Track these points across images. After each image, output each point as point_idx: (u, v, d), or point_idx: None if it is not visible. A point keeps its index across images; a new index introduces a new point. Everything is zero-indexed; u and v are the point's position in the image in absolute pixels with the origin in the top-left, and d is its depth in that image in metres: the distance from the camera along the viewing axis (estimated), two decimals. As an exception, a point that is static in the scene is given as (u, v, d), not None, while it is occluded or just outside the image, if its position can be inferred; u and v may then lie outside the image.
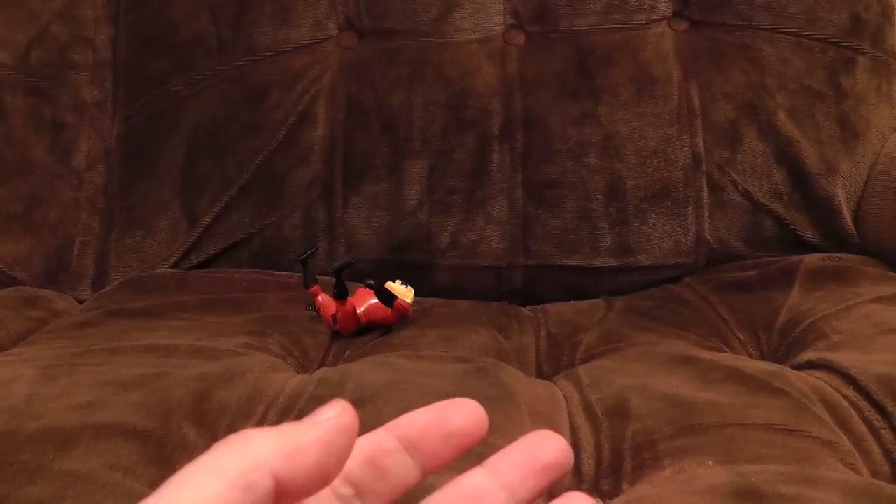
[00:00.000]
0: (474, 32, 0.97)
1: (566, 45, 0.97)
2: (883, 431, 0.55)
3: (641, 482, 0.49)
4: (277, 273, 0.95)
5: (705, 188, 0.94)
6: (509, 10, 0.98)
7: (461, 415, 0.30)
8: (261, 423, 0.56)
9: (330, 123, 0.98)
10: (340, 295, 0.77)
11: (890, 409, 0.55)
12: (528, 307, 0.88)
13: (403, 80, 0.97)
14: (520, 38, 0.98)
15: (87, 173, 1.01)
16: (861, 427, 0.55)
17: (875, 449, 0.53)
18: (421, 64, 0.97)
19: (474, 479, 0.30)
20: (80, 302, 0.94)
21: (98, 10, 1.02)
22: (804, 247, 0.92)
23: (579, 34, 0.97)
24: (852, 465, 0.50)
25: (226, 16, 0.99)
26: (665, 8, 0.97)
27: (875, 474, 0.51)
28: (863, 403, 0.57)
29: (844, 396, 0.57)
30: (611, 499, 0.49)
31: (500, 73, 0.96)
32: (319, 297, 0.79)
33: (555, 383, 0.65)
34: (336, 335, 0.79)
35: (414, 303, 0.81)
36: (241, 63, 0.99)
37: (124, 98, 1.02)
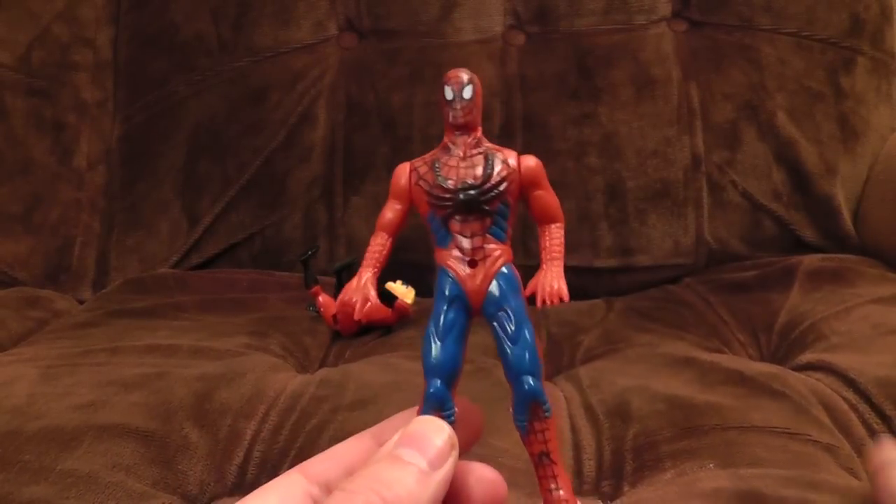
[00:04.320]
0: (474, 33, 0.97)
1: (566, 46, 0.97)
2: (883, 436, 0.54)
3: (643, 484, 0.49)
4: (278, 273, 0.95)
5: (705, 188, 0.94)
6: (509, 10, 0.99)
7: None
8: (262, 423, 0.57)
9: (330, 124, 0.98)
10: (341, 295, 0.77)
11: (889, 412, 0.55)
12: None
13: (403, 80, 0.97)
14: (520, 39, 0.99)
15: (88, 173, 1.01)
16: (861, 430, 0.55)
17: (875, 454, 0.54)
18: (421, 64, 0.97)
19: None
20: (81, 302, 0.94)
21: (99, 10, 1.03)
22: (804, 247, 0.92)
23: (579, 34, 0.97)
24: (852, 469, 0.50)
25: (226, 16, 0.99)
26: (665, 9, 0.98)
27: (875, 479, 0.51)
28: (863, 406, 0.57)
29: (844, 399, 0.57)
30: (612, 500, 0.50)
31: (500, 74, 0.96)
32: (320, 298, 0.79)
33: (555, 384, 0.65)
34: (336, 335, 0.80)
35: (414, 303, 0.81)
36: (241, 63, 0.99)
37: (125, 98, 1.02)
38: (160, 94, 1.01)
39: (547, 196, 0.33)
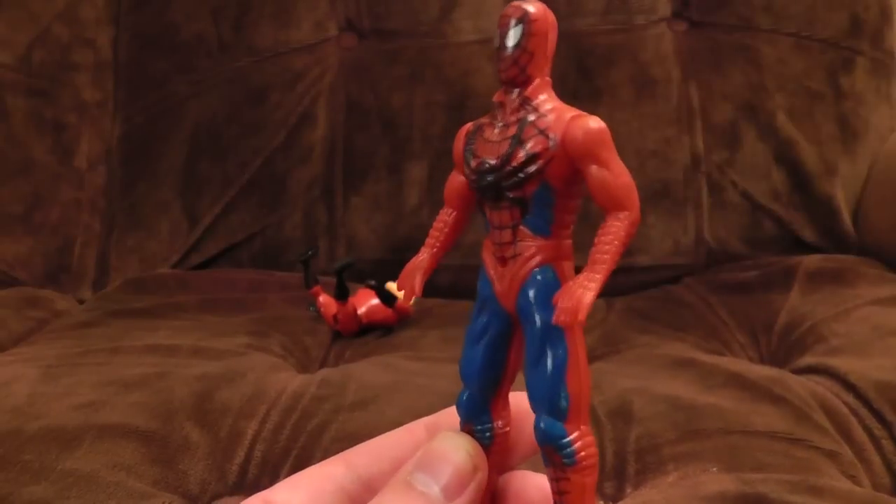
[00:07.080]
0: (474, 33, 0.97)
1: (566, 46, 0.97)
2: (884, 441, 0.54)
3: (645, 486, 0.49)
4: (278, 273, 0.95)
5: (704, 188, 0.94)
6: (509, 10, 0.99)
7: None
8: (263, 422, 0.57)
9: (330, 124, 0.98)
10: (341, 295, 0.77)
11: (889, 417, 0.55)
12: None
13: (403, 80, 0.97)
14: (520, 39, 0.98)
15: (88, 174, 1.01)
16: (862, 436, 0.55)
17: (875, 459, 0.53)
18: (421, 64, 0.97)
19: None
20: (81, 302, 0.94)
21: (99, 10, 1.03)
22: (803, 247, 0.93)
23: (579, 35, 0.97)
24: (854, 476, 0.50)
25: (227, 17, 0.99)
26: (664, 9, 0.98)
27: (875, 486, 0.51)
28: (863, 411, 0.56)
29: (845, 403, 0.57)
30: (614, 502, 0.50)
31: (500, 74, 0.96)
32: (320, 298, 0.79)
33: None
34: (337, 335, 0.80)
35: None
36: (241, 64, 0.99)
37: (125, 98, 1.02)
38: (160, 94, 1.01)
39: (604, 174, 0.24)
